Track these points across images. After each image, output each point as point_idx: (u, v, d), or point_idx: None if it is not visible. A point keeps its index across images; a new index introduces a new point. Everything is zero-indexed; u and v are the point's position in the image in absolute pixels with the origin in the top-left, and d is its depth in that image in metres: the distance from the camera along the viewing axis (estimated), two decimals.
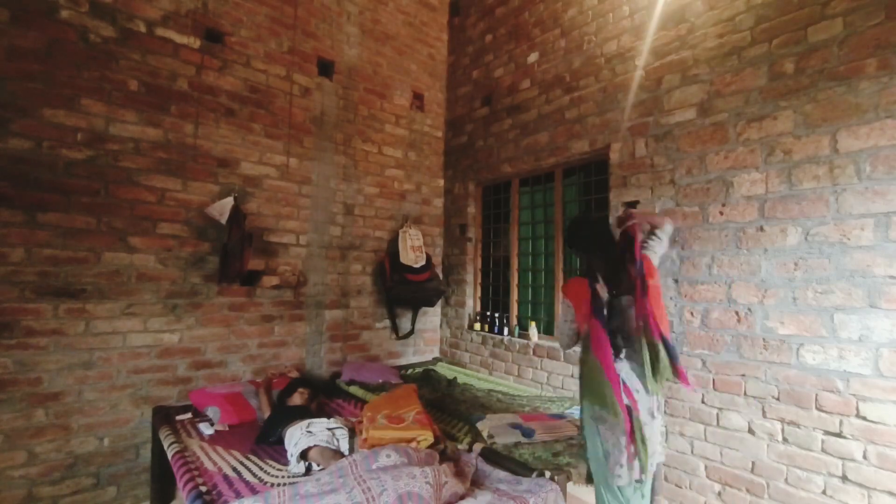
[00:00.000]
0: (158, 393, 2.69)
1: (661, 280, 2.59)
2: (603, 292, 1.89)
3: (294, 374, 3.02)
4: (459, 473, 1.85)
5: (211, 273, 2.87)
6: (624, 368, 1.82)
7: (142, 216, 2.64)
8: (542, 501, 1.68)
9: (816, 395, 2.01)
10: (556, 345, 3.17)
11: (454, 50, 4.29)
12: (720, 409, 2.32)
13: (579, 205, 3.27)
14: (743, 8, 2.31)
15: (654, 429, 1.81)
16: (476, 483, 1.84)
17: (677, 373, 1.75)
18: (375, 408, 2.32)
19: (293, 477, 1.93)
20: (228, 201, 2.85)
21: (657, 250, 2.08)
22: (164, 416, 2.54)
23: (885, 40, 1.87)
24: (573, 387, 3.03)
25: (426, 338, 4.12)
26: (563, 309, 2.07)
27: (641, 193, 2.70)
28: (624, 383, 1.78)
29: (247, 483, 1.83)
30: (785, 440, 2.10)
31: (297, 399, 2.58)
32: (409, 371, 3.66)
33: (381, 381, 3.17)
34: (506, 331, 3.63)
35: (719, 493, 2.31)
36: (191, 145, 2.83)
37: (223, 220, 2.80)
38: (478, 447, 2.08)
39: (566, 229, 2.19)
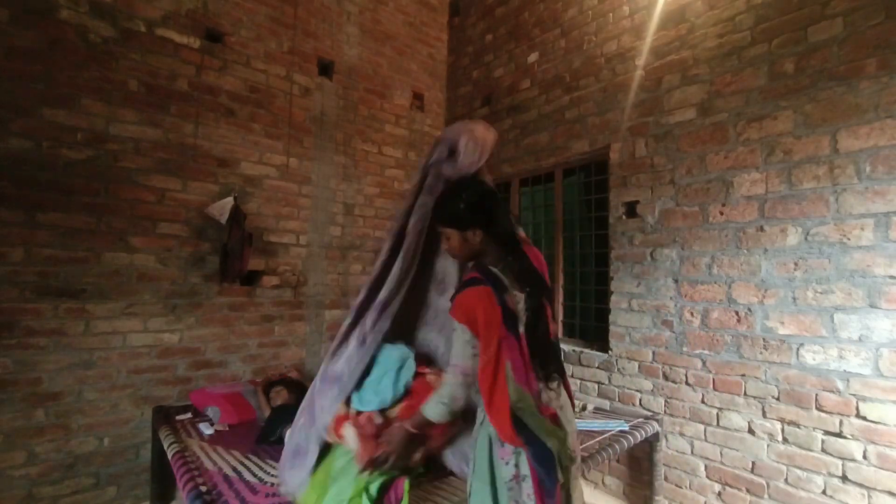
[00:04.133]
0: (158, 393, 2.69)
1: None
2: (514, 298, 1.31)
3: (294, 375, 3.02)
4: None
5: (211, 273, 2.87)
6: (555, 401, 1.32)
7: (142, 216, 2.64)
8: None
9: (816, 395, 2.01)
10: None
11: (454, 50, 4.29)
12: (720, 409, 2.32)
13: (579, 205, 3.27)
14: (743, 8, 2.31)
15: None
16: None
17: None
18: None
19: None
20: (228, 201, 2.85)
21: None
22: (164, 416, 2.54)
23: (885, 40, 1.87)
24: (573, 386, 3.03)
25: None
26: (462, 339, 1.32)
27: (641, 193, 2.70)
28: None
29: (247, 483, 1.83)
30: (785, 440, 2.10)
31: (277, 400, 2.58)
32: None
33: None
34: None
35: (719, 493, 2.31)
36: (191, 145, 2.82)
37: (223, 220, 2.79)
38: None
39: (439, 199, 1.49)
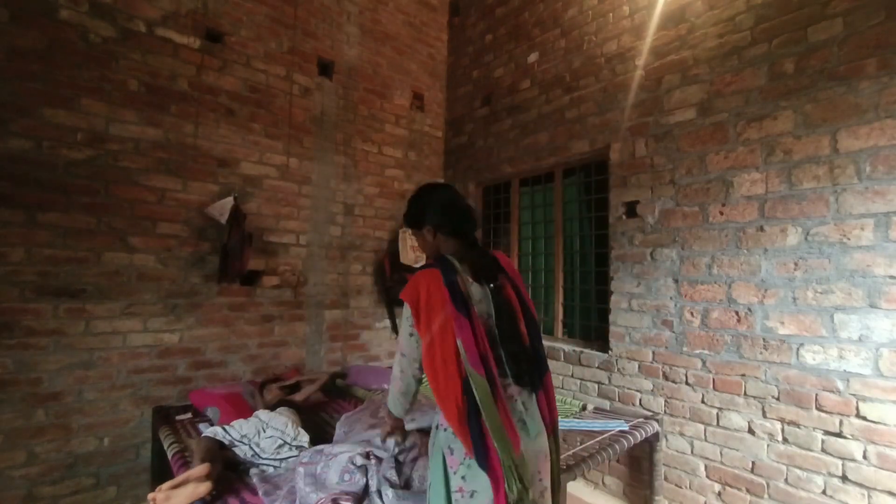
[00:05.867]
0: (158, 393, 2.69)
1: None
2: (466, 281, 1.33)
3: (295, 375, 3.03)
4: None
5: (211, 273, 2.87)
6: (522, 409, 1.31)
7: (142, 216, 2.64)
8: None
9: (816, 395, 2.01)
10: (556, 344, 3.17)
11: (454, 50, 4.29)
12: (720, 408, 2.32)
13: (579, 205, 3.27)
14: (743, 8, 2.31)
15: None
16: None
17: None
18: None
19: None
20: (228, 201, 2.85)
21: None
22: (164, 416, 2.54)
23: (885, 40, 1.87)
24: (573, 386, 3.03)
25: None
26: (403, 316, 1.39)
27: (641, 193, 2.70)
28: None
29: (246, 484, 1.83)
30: (785, 440, 2.10)
31: (275, 393, 2.60)
32: None
33: (385, 386, 3.15)
34: None
35: (719, 493, 2.31)
36: (191, 145, 2.82)
37: (223, 220, 2.79)
38: None
39: (413, 201, 1.54)
